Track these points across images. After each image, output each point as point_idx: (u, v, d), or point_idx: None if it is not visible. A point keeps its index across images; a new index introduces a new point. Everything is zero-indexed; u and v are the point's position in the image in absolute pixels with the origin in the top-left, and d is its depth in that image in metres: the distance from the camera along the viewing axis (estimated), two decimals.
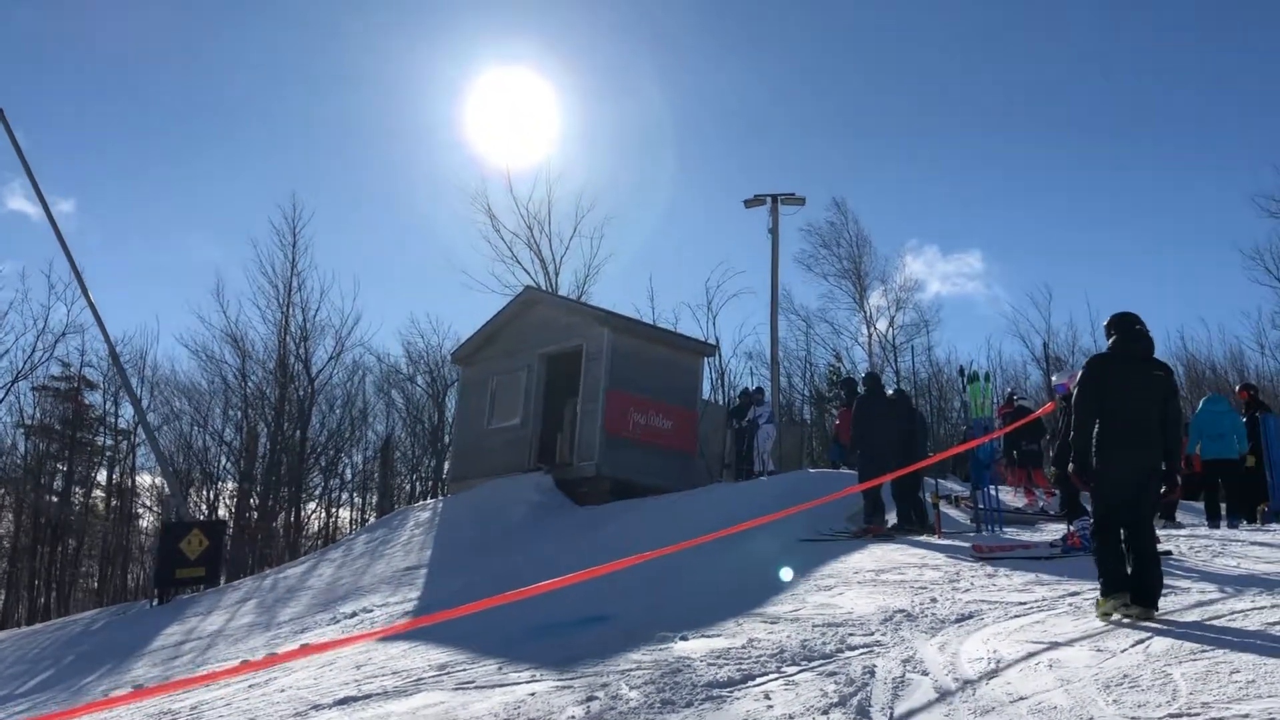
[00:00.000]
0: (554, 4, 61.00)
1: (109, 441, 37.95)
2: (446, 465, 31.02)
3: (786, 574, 9.58)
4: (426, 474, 38.71)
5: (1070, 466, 6.13)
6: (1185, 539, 9.51)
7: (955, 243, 77.29)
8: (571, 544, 14.12)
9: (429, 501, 21.02)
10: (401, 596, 13.58)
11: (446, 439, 36.53)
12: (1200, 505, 13.44)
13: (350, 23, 58.43)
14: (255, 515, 31.43)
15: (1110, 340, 6.39)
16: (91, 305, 23.98)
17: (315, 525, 37.67)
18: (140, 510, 39.04)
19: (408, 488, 38.84)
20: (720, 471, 18.35)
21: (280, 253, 33.49)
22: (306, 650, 9.03)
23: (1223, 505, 12.40)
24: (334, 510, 39.02)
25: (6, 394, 33.88)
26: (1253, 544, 9.00)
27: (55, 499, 35.65)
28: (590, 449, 17.69)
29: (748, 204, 24.55)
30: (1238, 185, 56.98)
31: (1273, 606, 5.90)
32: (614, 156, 57.92)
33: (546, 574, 8.45)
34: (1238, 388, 14.36)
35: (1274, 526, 11.30)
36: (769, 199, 24.41)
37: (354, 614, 12.99)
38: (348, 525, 38.30)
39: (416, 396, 38.78)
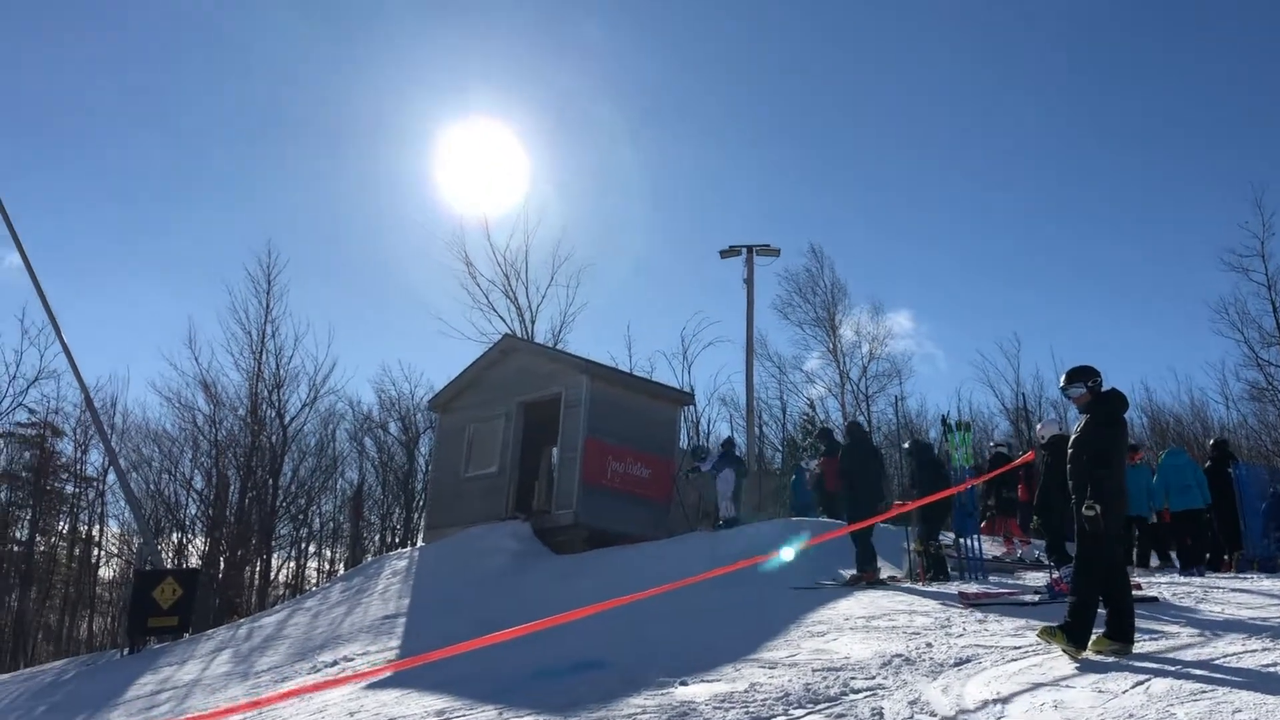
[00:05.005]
0: (522, 57, 61.72)
1: (74, 489, 37.44)
2: (423, 513, 30.83)
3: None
4: (397, 523, 38.42)
5: (1089, 506, 6.21)
6: (1168, 586, 9.68)
7: (885, 302, 78.65)
8: (552, 592, 14.09)
9: (405, 550, 20.87)
10: (381, 645, 13.46)
11: (418, 487, 36.31)
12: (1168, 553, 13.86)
13: (319, 75, 58.82)
14: (225, 564, 30.97)
15: (1103, 392, 6.61)
16: (65, 348, 23.79)
17: (284, 575, 37.21)
18: (102, 559, 38.46)
19: (378, 537, 38.51)
20: (698, 521, 18.39)
21: (255, 299, 33.29)
22: (297, 691, 8.96)
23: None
24: (303, 561, 38.57)
25: None
26: (1233, 590, 9.18)
27: (19, 547, 35.06)
28: (568, 497, 17.68)
29: (723, 254, 24.83)
30: (1207, 239, 58.22)
31: (1264, 649, 6.04)
32: (590, 207, 58.51)
33: (530, 621, 8.46)
34: (1210, 442, 14.66)
35: (1249, 575, 11.50)
36: (744, 250, 24.70)
37: (334, 663, 12.85)
38: (315, 576, 37.86)
39: (388, 444, 38.63)
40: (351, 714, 8.04)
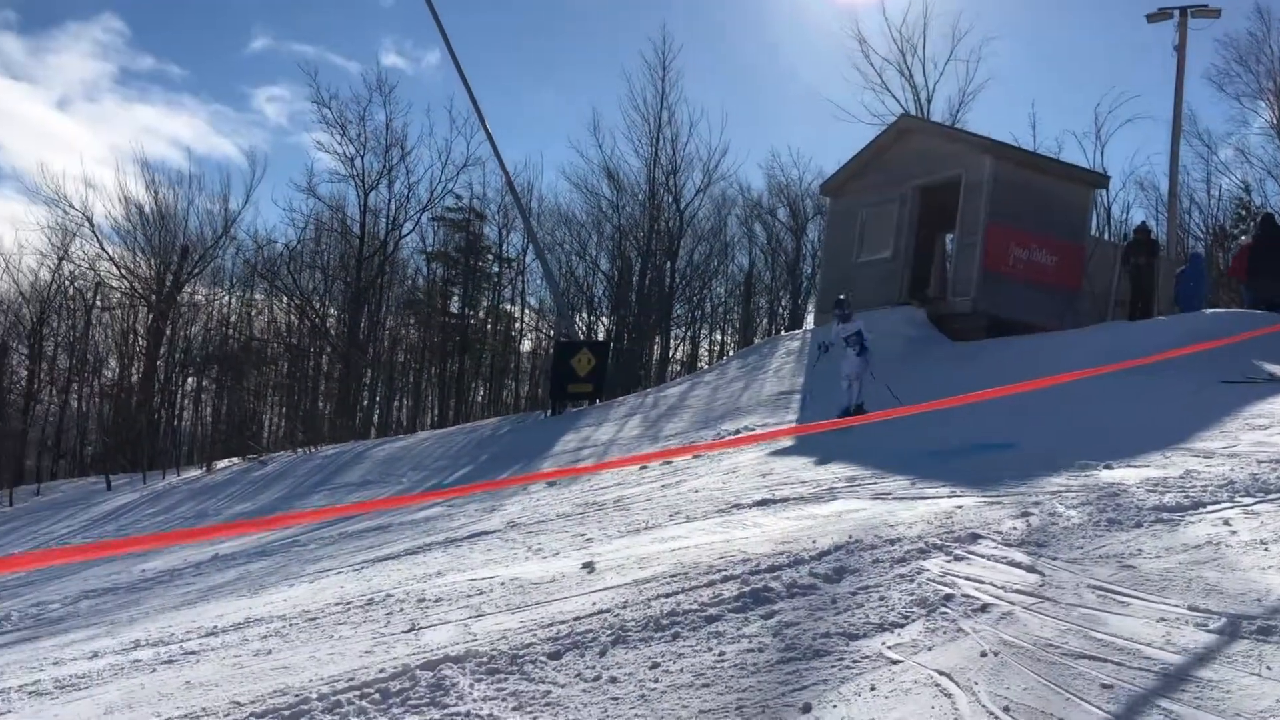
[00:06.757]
0: None
1: (496, 269, 41.38)
2: (811, 299, 31.32)
3: None
4: (783, 309, 39.26)
5: None
6: None
7: None
8: (949, 377, 13.90)
9: (797, 331, 21.35)
10: (779, 419, 14.03)
11: (805, 273, 36.74)
12: None
13: None
14: (628, 340, 33.35)
15: None
16: (489, 135, 25.84)
17: (679, 355, 39.51)
18: (522, 333, 42.67)
19: (766, 322, 39.63)
20: (1110, 311, 17.25)
21: (651, 86, 34.39)
22: (739, 439, 9.58)
23: None
24: (696, 341, 40.65)
25: (416, 225, 37.90)
26: None
27: (453, 320, 39.58)
28: (967, 284, 17.13)
29: (1150, 18, 22.10)
30: None
31: None
32: None
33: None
34: None
35: None
36: (1176, 11, 21.87)
37: (736, 432, 13.57)
38: (707, 356, 39.85)
39: (777, 230, 39.10)
40: (763, 474, 8.50)
